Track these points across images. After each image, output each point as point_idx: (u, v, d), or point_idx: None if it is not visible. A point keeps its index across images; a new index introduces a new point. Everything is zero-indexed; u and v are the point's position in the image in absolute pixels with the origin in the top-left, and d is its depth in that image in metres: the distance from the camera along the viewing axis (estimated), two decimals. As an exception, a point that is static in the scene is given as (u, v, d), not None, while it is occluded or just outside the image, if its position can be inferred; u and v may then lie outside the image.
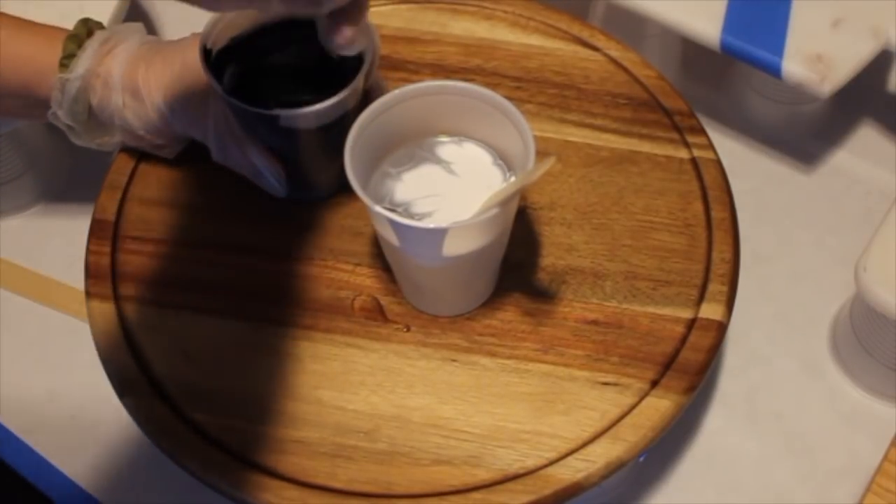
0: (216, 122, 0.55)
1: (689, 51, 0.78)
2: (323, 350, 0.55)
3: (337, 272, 0.57)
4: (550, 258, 0.57)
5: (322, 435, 0.52)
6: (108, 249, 0.58)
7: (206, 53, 0.52)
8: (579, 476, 0.51)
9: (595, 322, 0.55)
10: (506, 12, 0.67)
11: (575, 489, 0.51)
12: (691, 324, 0.55)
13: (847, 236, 0.70)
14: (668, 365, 0.54)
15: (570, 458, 0.51)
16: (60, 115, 0.55)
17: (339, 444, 0.52)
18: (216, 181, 0.60)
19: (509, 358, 0.54)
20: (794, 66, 0.64)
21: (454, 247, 0.49)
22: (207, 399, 0.53)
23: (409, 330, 0.55)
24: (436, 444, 0.52)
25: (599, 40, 0.66)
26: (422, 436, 0.52)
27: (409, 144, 0.53)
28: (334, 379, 0.54)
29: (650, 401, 0.53)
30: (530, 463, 0.51)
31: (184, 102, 0.55)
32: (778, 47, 0.65)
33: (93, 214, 0.60)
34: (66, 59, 0.54)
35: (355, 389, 0.54)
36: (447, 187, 0.52)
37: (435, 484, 0.51)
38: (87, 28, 0.56)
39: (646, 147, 0.61)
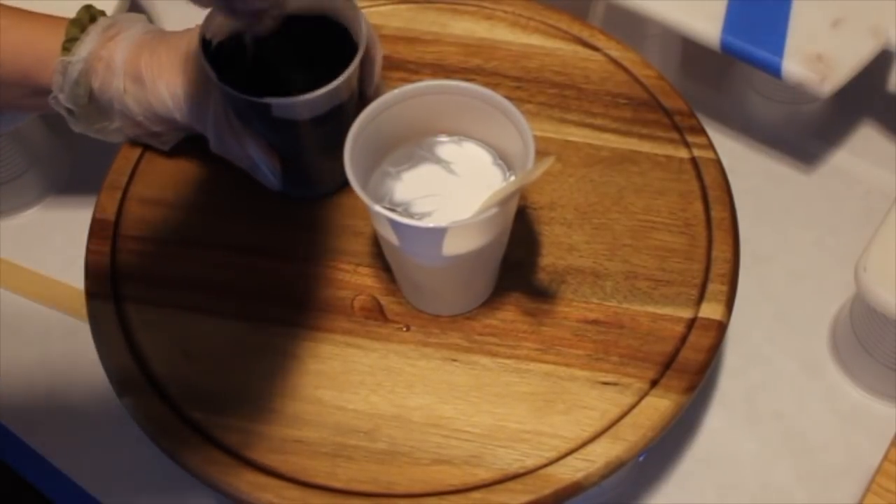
0: (216, 113, 0.55)
1: (689, 51, 0.78)
2: (323, 350, 0.55)
3: (337, 272, 0.57)
4: (550, 258, 0.57)
5: (322, 435, 0.52)
6: (108, 249, 0.58)
7: (205, 44, 0.53)
8: (579, 476, 0.51)
9: (595, 322, 0.55)
10: (506, 12, 0.67)
11: (575, 489, 0.51)
12: (691, 323, 0.55)
13: (847, 236, 0.70)
14: (668, 365, 0.54)
15: (570, 458, 0.51)
16: (61, 98, 0.55)
17: (340, 443, 0.52)
18: (216, 181, 0.60)
19: (509, 357, 0.54)
20: (794, 66, 0.64)
21: (454, 246, 0.49)
22: (207, 399, 0.53)
23: (409, 330, 0.55)
24: (436, 444, 0.52)
25: (599, 40, 0.66)
26: (422, 435, 0.52)
27: (409, 144, 0.53)
28: (334, 379, 0.54)
29: (650, 400, 0.53)
30: (530, 462, 0.51)
31: (185, 91, 0.55)
32: (778, 47, 0.65)
33: (93, 214, 0.60)
34: (69, 43, 0.54)
35: (355, 389, 0.54)
36: (447, 187, 0.52)
37: (435, 483, 0.51)
38: (90, 14, 0.56)
39: (646, 147, 0.61)
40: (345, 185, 0.48)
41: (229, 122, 0.56)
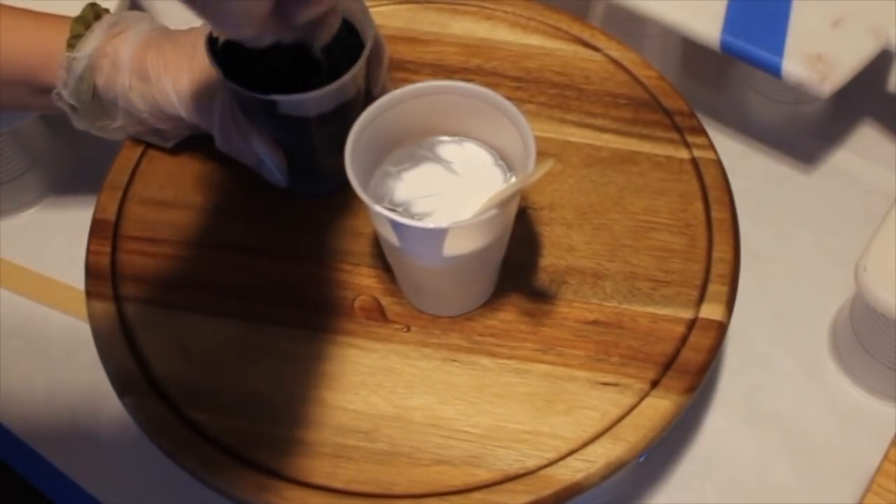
0: (222, 111, 0.56)
1: (689, 51, 0.78)
2: (323, 350, 0.55)
3: (337, 272, 0.57)
4: (550, 258, 0.57)
5: (322, 435, 0.52)
6: (108, 249, 0.58)
7: (211, 41, 0.53)
8: (579, 476, 0.51)
9: (595, 322, 0.55)
10: (506, 12, 0.67)
11: (575, 489, 0.51)
12: (691, 324, 0.55)
13: (847, 236, 0.70)
14: (668, 365, 0.54)
15: (570, 459, 0.51)
16: (65, 94, 0.55)
17: (340, 444, 0.52)
18: (217, 181, 0.60)
19: (509, 358, 0.54)
20: (794, 65, 0.64)
21: (454, 247, 0.49)
22: (207, 399, 0.53)
23: (409, 330, 0.55)
24: (436, 445, 0.52)
25: (600, 40, 0.66)
26: (422, 436, 0.52)
27: (410, 144, 0.53)
28: (334, 379, 0.54)
29: (650, 401, 0.53)
30: (530, 463, 0.51)
31: (191, 89, 0.55)
32: (778, 47, 0.65)
33: (93, 214, 0.60)
34: (74, 40, 0.55)
35: (355, 389, 0.54)
36: (448, 187, 0.52)
37: (435, 484, 0.51)
38: (95, 12, 0.56)
39: (646, 147, 0.61)
40: (348, 183, 0.48)
41: (235, 119, 0.56)
